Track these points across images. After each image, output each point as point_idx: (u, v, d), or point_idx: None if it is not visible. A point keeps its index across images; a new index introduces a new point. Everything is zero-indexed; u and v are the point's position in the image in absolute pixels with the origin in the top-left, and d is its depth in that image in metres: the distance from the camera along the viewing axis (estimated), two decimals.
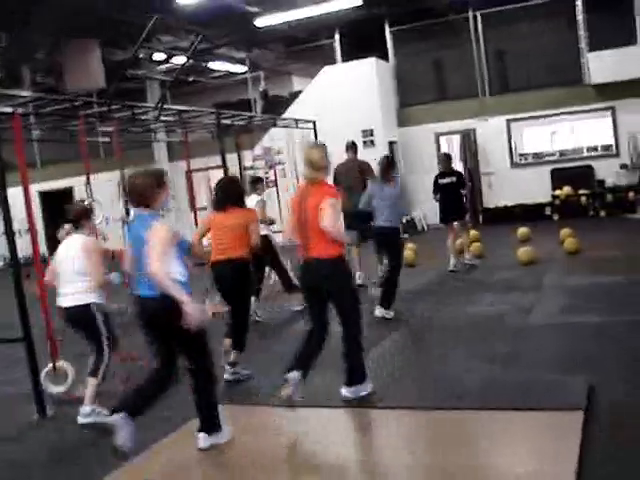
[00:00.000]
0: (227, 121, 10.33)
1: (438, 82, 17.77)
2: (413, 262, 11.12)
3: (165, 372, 4.59)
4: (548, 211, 15.73)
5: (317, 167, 5.13)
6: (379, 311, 7.82)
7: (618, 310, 7.01)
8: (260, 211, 7.87)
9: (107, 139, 10.29)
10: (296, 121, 12.59)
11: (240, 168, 13.46)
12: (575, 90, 15.95)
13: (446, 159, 11.12)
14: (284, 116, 13.96)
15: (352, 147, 10.64)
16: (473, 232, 12.14)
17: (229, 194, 6.29)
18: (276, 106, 18.48)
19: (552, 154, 16.38)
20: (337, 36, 17.92)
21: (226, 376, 6.05)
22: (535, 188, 15.88)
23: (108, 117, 8.07)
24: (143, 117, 8.29)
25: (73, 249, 5.60)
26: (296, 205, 5.27)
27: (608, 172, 15.57)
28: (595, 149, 16.08)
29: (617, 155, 15.66)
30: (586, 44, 15.86)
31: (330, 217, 4.96)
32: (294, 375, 4.89)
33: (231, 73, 20.30)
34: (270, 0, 14.91)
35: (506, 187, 16.29)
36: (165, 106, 8.16)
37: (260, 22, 16.04)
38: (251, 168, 15.90)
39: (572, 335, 6.35)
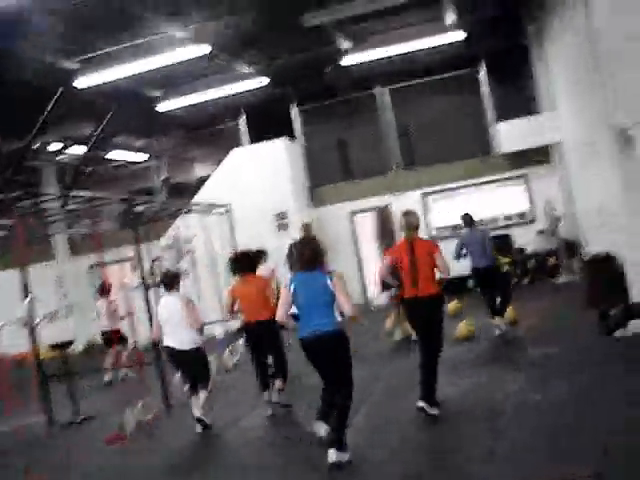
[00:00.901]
0: (140, 208, 9.43)
1: (349, 159, 17.47)
2: None
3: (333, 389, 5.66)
4: (471, 284, 15.35)
5: (415, 227, 6.69)
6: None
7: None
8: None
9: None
10: (210, 206, 11.81)
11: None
12: (487, 160, 16.01)
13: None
14: (198, 201, 13.11)
15: (306, 227, 12.00)
16: None
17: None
18: (180, 194, 17.72)
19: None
20: (243, 118, 17.45)
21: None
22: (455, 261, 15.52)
23: (6, 208, 7.09)
24: (46, 207, 7.31)
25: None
26: (404, 255, 6.58)
27: (526, 239, 15.49)
28: (511, 217, 16.02)
29: (533, 221, 15.65)
30: (493, 115, 16.00)
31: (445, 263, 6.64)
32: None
33: (130, 163, 19.40)
34: (171, 84, 14.34)
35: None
36: (73, 194, 7.20)
37: (162, 107, 15.40)
38: (157, 260, 14.93)
39: None
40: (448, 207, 16.52)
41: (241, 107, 17.15)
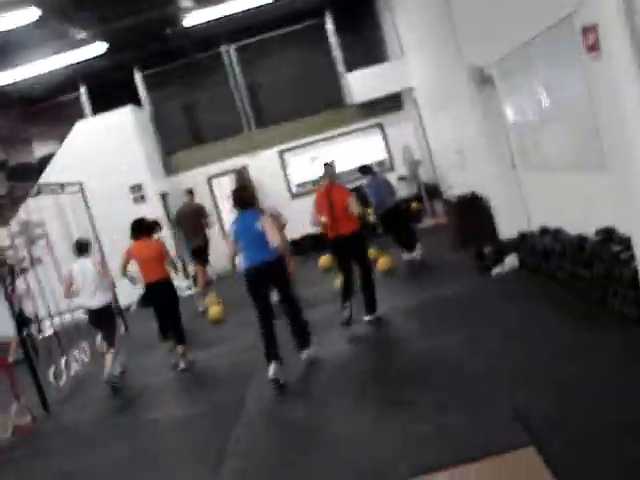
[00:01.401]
0: None
1: (200, 123, 16.79)
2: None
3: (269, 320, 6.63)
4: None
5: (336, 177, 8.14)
6: None
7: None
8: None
9: None
10: (62, 186, 10.89)
11: None
12: (341, 112, 15.91)
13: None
14: (48, 182, 12.03)
15: (189, 193, 12.57)
16: None
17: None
18: (22, 176, 16.45)
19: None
20: (83, 89, 16.33)
21: None
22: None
23: None
24: None
25: None
26: (324, 199, 7.80)
27: None
28: None
29: (392, 169, 15.76)
30: (343, 65, 15.87)
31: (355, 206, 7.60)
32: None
33: None
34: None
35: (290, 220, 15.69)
36: None
37: None
38: (9, 248, 13.77)
39: None
40: (306, 162, 16.38)
41: (80, 77, 15.99)
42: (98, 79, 15.90)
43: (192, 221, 12.06)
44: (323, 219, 7.68)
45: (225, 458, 5.02)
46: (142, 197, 14.80)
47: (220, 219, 15.96)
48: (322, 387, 6.11)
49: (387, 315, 7.81)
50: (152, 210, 14.73)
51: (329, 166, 8.15)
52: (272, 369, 6.38)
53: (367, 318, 7.73)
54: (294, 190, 16.13)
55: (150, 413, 6.78)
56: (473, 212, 10.63)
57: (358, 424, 4.99)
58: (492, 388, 4.92)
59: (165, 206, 15.21)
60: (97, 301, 8.12)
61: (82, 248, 8.49)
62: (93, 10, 12.45)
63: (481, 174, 10.50)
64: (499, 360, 5.43)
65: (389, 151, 15.90)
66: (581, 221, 7.08)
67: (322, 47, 16.11)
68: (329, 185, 7.91)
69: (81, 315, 12.48)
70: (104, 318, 8.21)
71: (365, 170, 11.56)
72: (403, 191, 15.45)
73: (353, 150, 15.99)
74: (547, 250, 7.29)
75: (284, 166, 16.04)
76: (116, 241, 13.45)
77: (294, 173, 16.25)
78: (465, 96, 10.11)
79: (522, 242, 8.35)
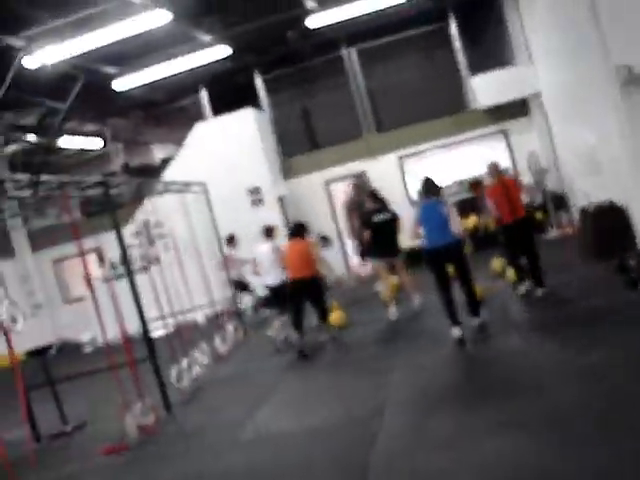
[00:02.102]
0: (115, 191, 8.57)
1: (320, 127, 16.65)
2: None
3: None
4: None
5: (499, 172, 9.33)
6: None
7: None
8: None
9: None
10: (187, 185, 10.94)
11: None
12: (463, 117, 15.39)
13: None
14: (174, 180, 12.10)
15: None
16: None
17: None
18: (145, 176, 16.77)
19: (451, 186, 15.57)
20: (204, 92, 16.49)
21: None
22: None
23: None
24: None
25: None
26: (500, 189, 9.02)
27: None
28: None
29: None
30: (467, 69, 15.35)
31: None
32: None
33: (84, 150, 18.25)
34: (127, 58, 13.33)
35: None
36: (43, 179, 6.32)
37: (118, 85, 14.38)
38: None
39: None
40: (427, 168, 15.91)
41: (201, 80, 16.15)
42: (219, 83, 16.03)
43: None
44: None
45: None
46: (260, 200, 14.76)
47: (336, 223, 15.73)
48: None
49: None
50: (270, 213, 14.70)
51: (494, 164, 9.35)
52: (456, 330, 7.55)
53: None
54: (414, 197, 15.68)
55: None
56: (611, 222, 9.92)
57: None
58: None
59: (283, 209, 15.11)
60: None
61: (268, 232, 10.12)
62: (220, 13, 12.52)
63: (622, 183, 9.79)
64: None
65: (513, 158, 15.22)
66: None
67: (445, 50, 15.66)
68: (499, 178, 9.16)
69: (197, 316, 12.66)
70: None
71: None
72: (526, 200, 14.77)
73: (475, 157, 15.43)
74: None
75: (403, 172, 15.64)
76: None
77: (414, 179, 15.82)
78: (609, 99, 9.44)
79: None
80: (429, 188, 8.20)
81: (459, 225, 7.84)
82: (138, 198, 14.06)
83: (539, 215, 14.32)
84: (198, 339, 9.71)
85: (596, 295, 8.03)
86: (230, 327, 10.97)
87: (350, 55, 15.92)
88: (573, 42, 10.58)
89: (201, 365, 9.08)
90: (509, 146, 15.26)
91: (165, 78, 14.62)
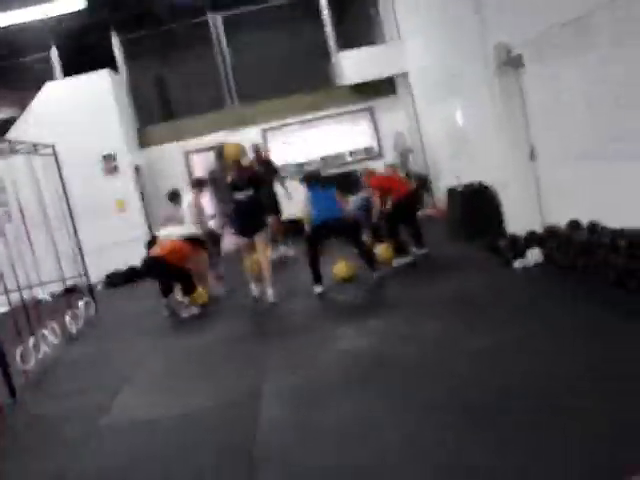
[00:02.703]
0: None
1: (180, 95, 15.79)
2: None
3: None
4: None
5: None
6: None
7: None
8: None
9: None
10: (35, 146, 9.82)
11: None
12: (329, 93, 15.07)
13: None
14: (15, 139, 10.80)
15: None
16: None
17: None
18: None
19: (313, 162, 15.25)
20: (54, 49, 15.11)
21: None
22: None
23: None
24: None
25: None
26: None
27: None
28: (357, 153, 15.25)
29: (381, 155, 14.99)
30: (335, 44, 15.04)
31: None
32: None
33: None
34: None
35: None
36: None
37: None
38: None
39: None
40: (290, 143, 15.53)
41: (51, 37, 14.78)
42: (72, 40, 14.74)
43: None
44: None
45: None
46: (115, 168, 13.76)
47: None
48: None
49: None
50: (125, 182, 13.79)
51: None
52: (317, 288, 8.47)
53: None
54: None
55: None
56: (480, 203, 9.96)
57: None
58: None
59: (138, 179, 14.19)
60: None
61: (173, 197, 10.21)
62: None
63: (492, 164, 9.83)
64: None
65: (378, 137, 15.13)
66: (620, 215, 6.49)
67: (314, 24, 15.23)
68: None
69: (45, 291, 11.56)
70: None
71: None
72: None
73: (341, 134, 15.20)
74: (589, 244, 6.61)
75: (267, 146, 15.10)
76: (85, 212, 12.60)
77: (277, 154, 15.37)
78: (482, 79, 9.41)
79: (550, 236, 7.66)
80: (315, 178, 9.03)
81: (346, 203, 8.95)
82: None
83: None
84: (46, 317, 8.75)
85: (472, 273, 7.95)
86: (81, 303, 10.06)
87: (215, 21, 15.16)
88: (450, 20, 10.49)
89: (50, 345, 8.19)
90: (374, 124, 15.14)
91: (6, 27, 13.21)
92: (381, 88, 14.83)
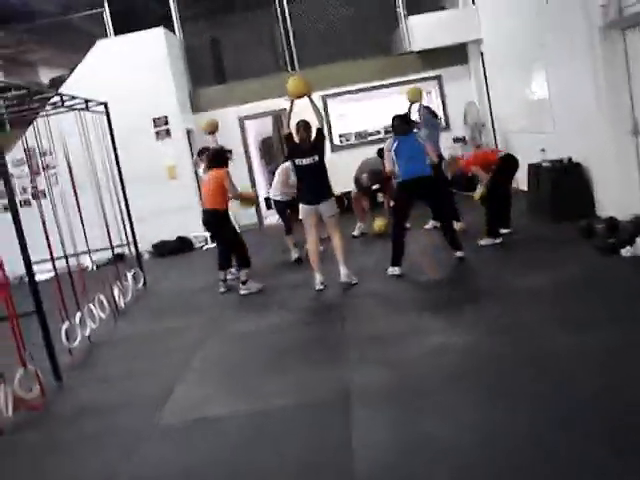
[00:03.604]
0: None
1: (235, 58, 14.89)
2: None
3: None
4: (381, 197, 13.63)
5: None
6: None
7: None
8: None
9: None
10: (86, 103, 9.11)
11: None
12: (396, 59, 14.08)
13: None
14: (65, 95, 9.99)
15: None
16: None
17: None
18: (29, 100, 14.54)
19: (377, 132, 14.34)
20: (106, 5, 14.28)
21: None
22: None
23: None
24: None
25: None
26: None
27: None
28: None
29: (447, 128, 13.96)
30: (404, 8, 14.00)
31: None
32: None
33: None
34: None
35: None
36: None
37: None
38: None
39: None
40: (353, 111, 14.63)
41: None
42: None
43: None
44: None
45: None
46: (167, 132, 13.02)
47: (250, 163, 14.30)
48: None
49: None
50: (177, 147, 13.06)
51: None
52: (395, 270, 7.66)
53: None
54: (336, 141, 14.39)
55: None
56: (569, 182, 8.98)
57: None
58: None
59: (190, 144, 13.42)
60: None
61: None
62: None
63: (585, 139, 8.84)
64: None
65: (444, 108, 14.11)
66: None
67: None
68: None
69: (91, 260, 10.95)
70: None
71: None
72: (456, 154, 13.77)
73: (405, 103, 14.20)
74: None
75: (327, 112, 14.17)
76: (135, 177, 11.88)
77: (338, 122, 14.50)
78: (582, 43, 8.39)
79: None
80: (402, 123, 8.01)
81: (433, 154, 8.27)
82: (24, 119, 12.08)
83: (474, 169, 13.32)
84: (93, 288, 8.06)
85: (568, 260, 7.02)
86: (129, 275, 9.37)
87: None
88: None
89: (97, 320, 7.51)
90: (442, 94, 14.14)
91: None
92: (451, 56, 13.80)
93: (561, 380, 4.18)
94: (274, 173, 10.58)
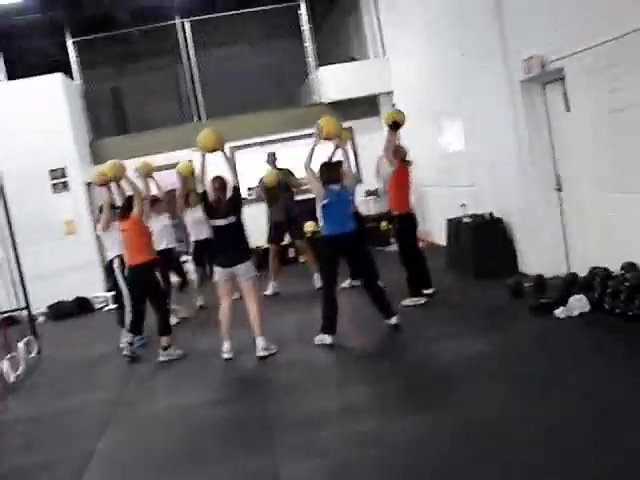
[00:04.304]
0: None
1: (139, 107, 14.26)
2: None
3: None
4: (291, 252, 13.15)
5: None
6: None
7: None
8: None
9: None
10: None
11: None
12: (306, 110, 13.77)
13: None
14: None
15: None
16: None
17: None
18: None
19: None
20: None
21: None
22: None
23: None
24: None
25: None
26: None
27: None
28: None
29: (360, 181, 13.66)
30: (314, 59, 13.78)
31: None
32: None
33: None
34: None
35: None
36: None
37: None
38: None
39: None
40: (262, 163, 14.13)
41: None
42: (17, 40, 13.08)
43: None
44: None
45: None
46: (65, 184, 12.16)
47: None
48: None
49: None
50: (75, 200, 12.21)
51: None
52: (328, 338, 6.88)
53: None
54: (244, 194, 13.84)
55: None
56: (490, 237, 8.76)
57: None
58: None
59: (90, 198, 12.57)
60: None
61: None
62: None
63: (506, 195, 8.68)
64: None
65: (357, 160, 13.85)
66: None
67: (293, 35, 13.92)
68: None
69: None
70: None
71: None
72: (371, 208, 13.54)
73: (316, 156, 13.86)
74: None
75: (235, 165, 13.62)
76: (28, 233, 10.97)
77: (246, 174, 13.98)
78: (502, 97, 8.27)
79: (594, 280, 6.48)
80: (330, 172, 7.16)
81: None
82: None
83: (384, 225, 13.09)
84: None
85: (506, 323, 6.67)
86: (20, 344, 8.40)
87: (184, 27, 13.69)
88: (460, 34, 9.31)
89: None
90: (353, 146, 13.89)
91: None
92: (363, 108, 13.62)
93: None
94: (177, 226, 10.13)
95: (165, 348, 7.43)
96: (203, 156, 7.07)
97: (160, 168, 13.47)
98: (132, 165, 13.09)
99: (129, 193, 7.90)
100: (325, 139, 7.29)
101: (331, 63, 13.32)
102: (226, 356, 6.98)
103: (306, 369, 6.37)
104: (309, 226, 11.41)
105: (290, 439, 4.74)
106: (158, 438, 5.28)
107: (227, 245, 7.00)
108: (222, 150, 7.17)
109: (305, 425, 4.94)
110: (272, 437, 4.81)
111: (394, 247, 12.50)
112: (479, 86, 8.94)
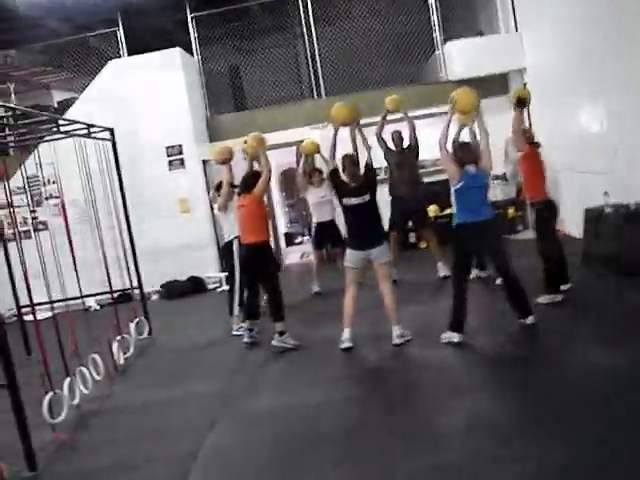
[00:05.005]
0: None
1: (259, 82, 13.88)
2: None
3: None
4: (412, 238, 12.50)
5: None
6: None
7: None
8: None
9: None
10: (89, 128, 8.01)
11: None
12: (431, 88, 12.97)
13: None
14: (68, 119, 8.84)
15: None
16: None
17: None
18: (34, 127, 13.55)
19: None
20: (121, 26, 13.26)
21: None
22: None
23: None
24: None
25: None
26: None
27: None
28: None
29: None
30: (441, 34, 12.95)
31: None
32: None
33: None
34: None
35: None
36: None
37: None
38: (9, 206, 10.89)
39: None
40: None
41: (118, 9, 13.00)
42: (140, 15, 12.95)
43: None
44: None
45: None
46: (182, 162, 11.95)
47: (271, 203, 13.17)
48: None
49: None
50: (191, 178, 11.99)
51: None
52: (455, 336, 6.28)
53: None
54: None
55: None
56: (638, 231, 7.77)
57: None
58: None
59: (206, 175, 12.32)
60: None
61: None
62: None
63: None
64: None
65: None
66: None
67: (418, 9, 13.09)
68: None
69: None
70: None
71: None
72: (495, 193, 12.63)
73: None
74: None
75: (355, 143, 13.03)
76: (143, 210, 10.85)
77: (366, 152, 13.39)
78: None
79: None
80: (466, 152, 6.38)
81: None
82: (26, 146, 11.09)
83: (511, 211, 12.21)
84: (90, 343, 6.94)
85: None
86: (132, 325, 8.21)
87: (306, 2, 13.11)
88: None
89: (89, 386, 6.33)
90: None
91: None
92: (492, 86, 12.69)
93: None
94: (294, 207, 9.71)
95: (281, 333, 6.99)
96: (336, 130, 6.58)
97: (278, 146, 13.26)
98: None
99: (256, 168, 7.46)
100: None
101: (456, 38, 12.46)
102: (345, 345, 6.53)
103: (432, 369, 5.74)
104: (433, 210, 10.74)
105: (417, 459, 4.14)
106: (267, 438, 4.80)
107: (362, 226, 6.56)
108: (358, 124, 6.83)
109: (431, 440, 4.33)
110: (393, 452, 4.22)
111: (522, 235, 11.77)
112: (630, 66, 7.94)
